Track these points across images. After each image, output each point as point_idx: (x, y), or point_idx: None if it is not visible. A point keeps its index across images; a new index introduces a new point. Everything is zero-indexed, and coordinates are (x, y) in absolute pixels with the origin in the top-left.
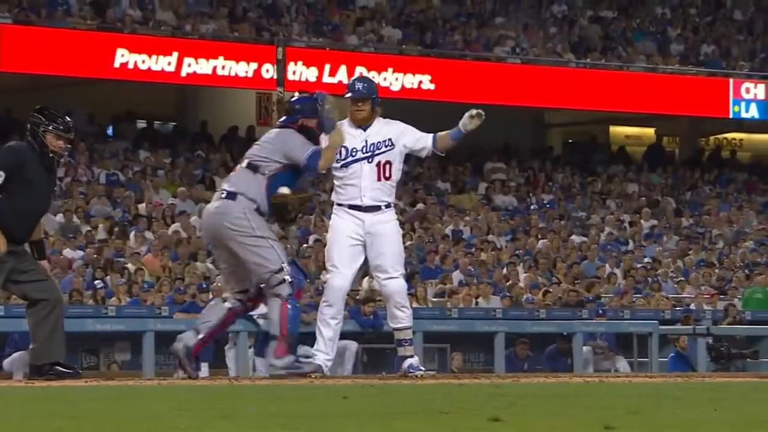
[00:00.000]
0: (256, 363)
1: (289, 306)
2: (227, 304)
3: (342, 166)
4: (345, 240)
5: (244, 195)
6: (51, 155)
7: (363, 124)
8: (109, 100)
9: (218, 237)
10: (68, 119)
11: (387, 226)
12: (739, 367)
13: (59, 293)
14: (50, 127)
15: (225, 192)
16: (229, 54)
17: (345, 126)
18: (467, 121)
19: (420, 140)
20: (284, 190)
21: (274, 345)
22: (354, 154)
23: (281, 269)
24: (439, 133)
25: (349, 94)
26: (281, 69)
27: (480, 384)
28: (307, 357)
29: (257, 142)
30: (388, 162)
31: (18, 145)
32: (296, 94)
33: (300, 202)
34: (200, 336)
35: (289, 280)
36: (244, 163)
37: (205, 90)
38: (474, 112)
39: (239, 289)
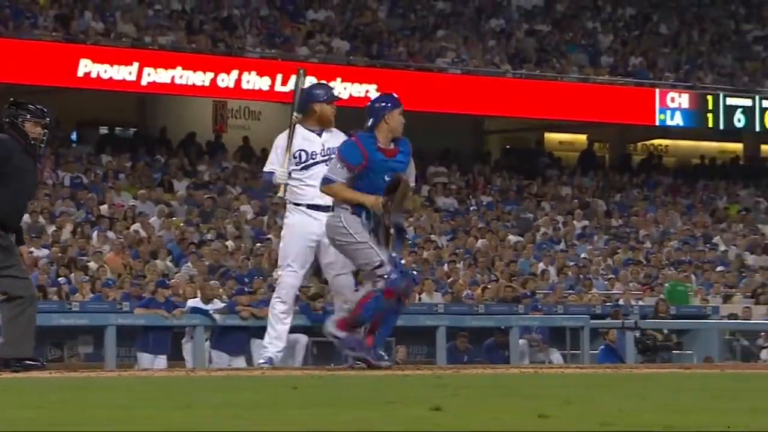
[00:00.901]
0: (212, 355)
1: (373, 296)
2: (360, 293)
3: (302, 168)
4: (302, 241)
5: (335, 204)
6: (33, 143)
7: (329, 127)
8: (73, 107)
9: (334, 247)
10: (39, 106)
11: None
12: (664, 358)
13: (34, 290)
14: (27, 116)
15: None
16: (186, 64)
17: (299, 129)
18: None
19: None
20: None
21: (342, 315)
22: (314, 156)
23: (380, 265)
24: None
25: (327, 98)
26: (298, 94)
27: (423, 375)
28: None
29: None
30: None
31: (2, 137)
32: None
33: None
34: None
35: (386, 277)
36: None
37: (164, 98)
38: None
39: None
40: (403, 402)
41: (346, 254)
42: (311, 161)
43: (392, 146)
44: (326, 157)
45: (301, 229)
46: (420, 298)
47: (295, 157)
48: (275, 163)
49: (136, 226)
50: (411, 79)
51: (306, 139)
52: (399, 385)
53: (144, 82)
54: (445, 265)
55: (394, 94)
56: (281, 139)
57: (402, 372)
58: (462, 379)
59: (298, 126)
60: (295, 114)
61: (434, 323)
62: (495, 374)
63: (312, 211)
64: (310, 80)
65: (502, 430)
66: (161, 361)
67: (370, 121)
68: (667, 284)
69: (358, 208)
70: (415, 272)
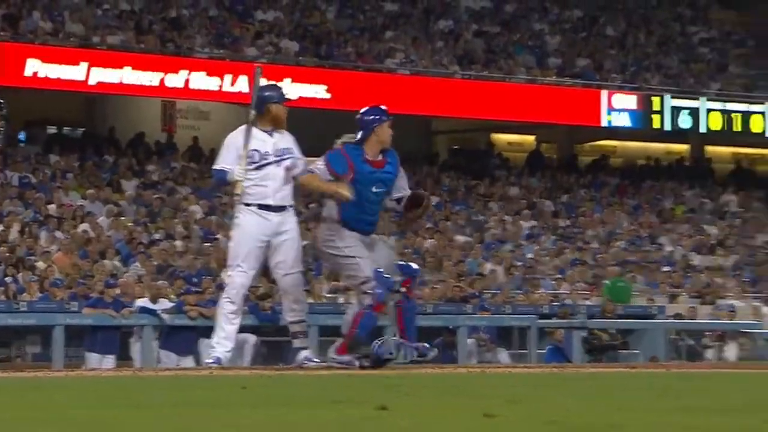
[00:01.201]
0: (161, 355)
1: (364, 314)
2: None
3: (256, 168)
4: (252, 241)
5: (326, 216)
6: None
7: (281, 128)
8: (21, 107)
9: (320, 257)
10: None
11: (290, 227)
12: (611, 357)
13: None
14: None
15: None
16: (135, 64)
17: (254, 131)
18: None
19: (298, 163)
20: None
21: (338, 342)
22: (267, 157)
23: (365, 282)
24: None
25: (279, 98)
26: (255, 93)
27: (370, 375)
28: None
29: None
30: (291, 167)
31: None
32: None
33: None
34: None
35: (371, 292)
36: None
37: (112, 98)
38: None
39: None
40: (349, 401)
41: (334, 265)
42: (264, 162)
43: (380, 157)
44: (279, 158)
45: (252, 229)
46: None
47: (248, 157)
48: (227, 162)
49: (85, 225)
50: (360, 80)
51: (259, 139)
52: (346, 385)
53: (92, 81)
54: None
55: (383, 106)
56: (234, 138)
57: (350, 371)
58: (409, 379)
59: (253, 127)
60: (252, 112)
61: (382, 323)
62: (443, 374)
63: (263, 211)
64: (263, 80)
65: (449, 430)
66: (109, 360)
67: (360, 133)
68: (607, 281)
69: (346, 221)
70: (414, 265)
